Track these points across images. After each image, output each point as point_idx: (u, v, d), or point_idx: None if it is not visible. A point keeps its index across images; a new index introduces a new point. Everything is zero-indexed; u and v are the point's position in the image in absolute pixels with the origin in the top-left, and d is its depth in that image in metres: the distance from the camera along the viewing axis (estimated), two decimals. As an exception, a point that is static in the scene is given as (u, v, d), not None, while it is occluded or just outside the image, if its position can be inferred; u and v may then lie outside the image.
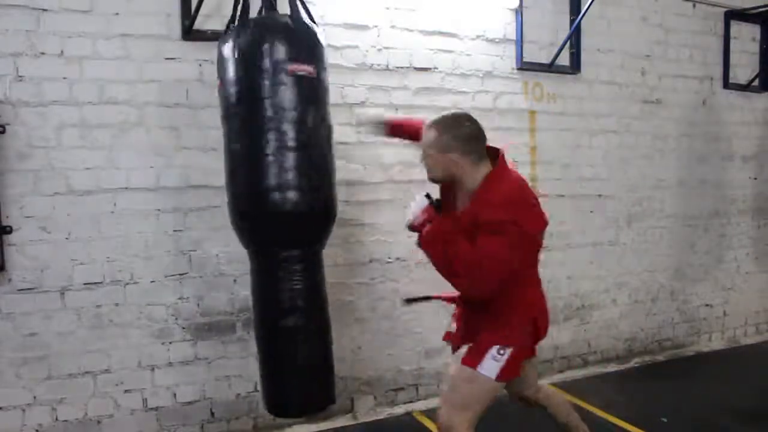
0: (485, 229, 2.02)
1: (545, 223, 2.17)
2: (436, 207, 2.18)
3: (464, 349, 2.28)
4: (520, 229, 2.01)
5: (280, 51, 2.25)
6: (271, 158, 2.26)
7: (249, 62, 2.26)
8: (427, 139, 2.14)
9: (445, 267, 2.10)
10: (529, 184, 2.26)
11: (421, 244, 2.17)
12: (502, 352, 2.14)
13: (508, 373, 2.18)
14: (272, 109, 2.25)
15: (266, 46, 2.24)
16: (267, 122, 2.25)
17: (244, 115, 2.29)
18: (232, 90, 2.31)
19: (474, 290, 2.10)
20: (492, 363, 2.14)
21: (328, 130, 2.44)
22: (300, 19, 2.39)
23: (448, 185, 2.22)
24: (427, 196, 2.19)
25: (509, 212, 2.03)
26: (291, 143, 2.27)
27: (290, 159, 2.28)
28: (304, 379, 2.41)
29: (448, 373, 2.42)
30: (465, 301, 2.34)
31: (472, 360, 2.17)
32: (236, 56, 2.27)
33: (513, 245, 2.01)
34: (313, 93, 2.33)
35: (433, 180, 2.22)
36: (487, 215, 2.03)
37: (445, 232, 2.11)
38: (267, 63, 2.24)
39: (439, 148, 2.11)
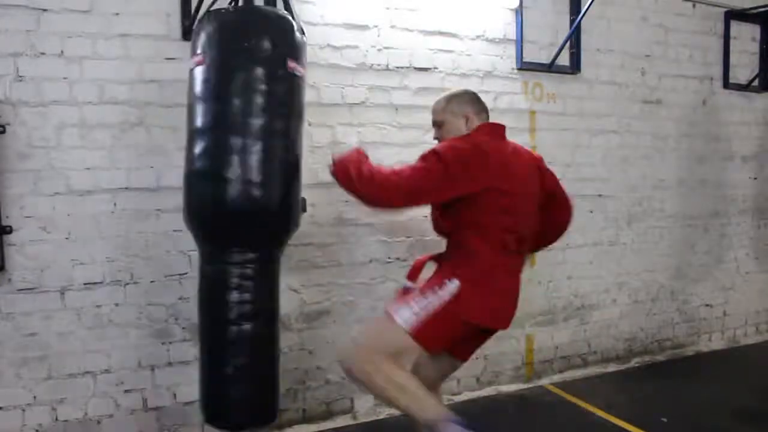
0: None
1: (483, 184, 2.16)
2: None
3: None
4: (441, 158, 2.13)
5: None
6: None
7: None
8: (439, 107, 2.41)
9: (353, 183, 2.14)
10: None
11: (334, 167, 2.24)
12: (422, 305, 2.11)
13: (424, 335, 2.07)
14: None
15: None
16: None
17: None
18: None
19: (378, 200, 2.15)
20: (408, 313, 2.09)
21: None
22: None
23: None
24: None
25: (438, 147, 2.21)
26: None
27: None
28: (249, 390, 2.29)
29: None
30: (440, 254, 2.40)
31: (390, 307, 2.17)
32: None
33: (429, 170, 2.13)
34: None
35: None
36: None
37: (360, 154, 2.24)
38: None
39: (452, 111, 2.37)
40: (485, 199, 2.18)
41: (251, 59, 2.19)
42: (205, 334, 2.33)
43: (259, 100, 2.20)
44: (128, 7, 2.83)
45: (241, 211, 2.18)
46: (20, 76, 2.68)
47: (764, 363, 4.48)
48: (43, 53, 2.71)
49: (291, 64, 2.26)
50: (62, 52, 2.74)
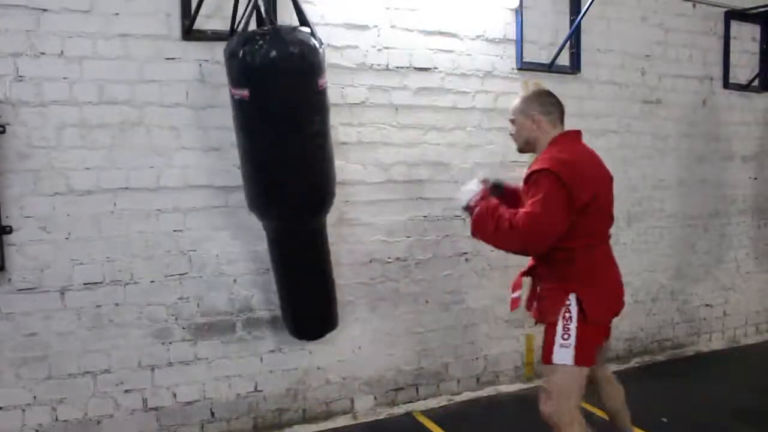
0: (527, 183, 2.24)
1: (592, 191, 2.21)
2: (493, 187, 2.44)
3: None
4: (554, 177, 2.14)
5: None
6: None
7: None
8: (514, 106, 2.43)
9: (496, 240, 2.27)
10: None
11: (471, 227, 2.35)
12: (566, 336, 2.25)
13: (584, 356, 2.27)
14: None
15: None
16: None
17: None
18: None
19: (528, 249, 2.28)
20: (562, 351, 2.26)
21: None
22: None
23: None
24: (484, 181, 2.45)
25: (548, 163, 2.20)
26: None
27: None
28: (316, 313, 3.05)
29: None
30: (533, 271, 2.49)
31: (546, 356, 2.32)
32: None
33: (549, 195, 2.14)
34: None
35: (519, 150, 2.50)
36: (532, 168, 2.25)
37: (491, 208, 2.28)
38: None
39: (523, 112, 2.39)
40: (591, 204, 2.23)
41: (289, 89, 2.52)
42: (282, 279, 2.96)
43: (297, 117, 2.58)
44: (128, 7, 2.83)
45: (299, 193, 2.71)
46: (20, 76, 2.68)
47: (764, 363, 4.48)
48: (43, 53, 2.71)
49: (320, 81, 2.59)
50: (62, 52, 2.74)
